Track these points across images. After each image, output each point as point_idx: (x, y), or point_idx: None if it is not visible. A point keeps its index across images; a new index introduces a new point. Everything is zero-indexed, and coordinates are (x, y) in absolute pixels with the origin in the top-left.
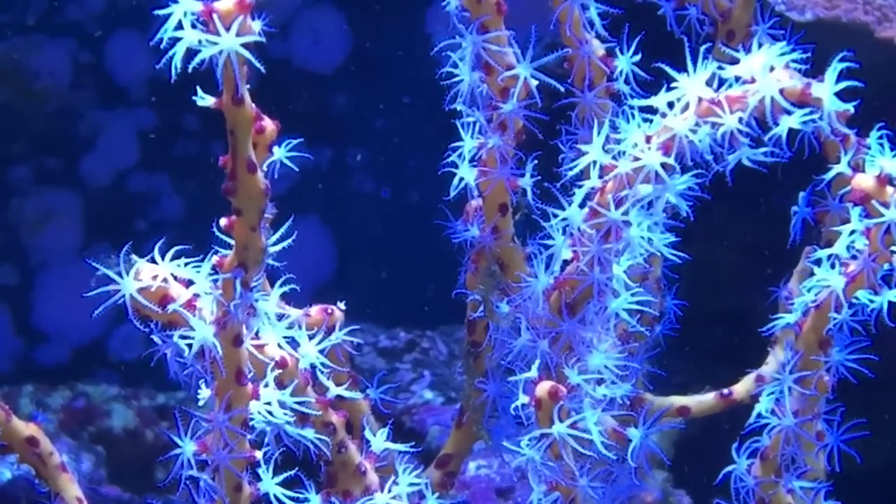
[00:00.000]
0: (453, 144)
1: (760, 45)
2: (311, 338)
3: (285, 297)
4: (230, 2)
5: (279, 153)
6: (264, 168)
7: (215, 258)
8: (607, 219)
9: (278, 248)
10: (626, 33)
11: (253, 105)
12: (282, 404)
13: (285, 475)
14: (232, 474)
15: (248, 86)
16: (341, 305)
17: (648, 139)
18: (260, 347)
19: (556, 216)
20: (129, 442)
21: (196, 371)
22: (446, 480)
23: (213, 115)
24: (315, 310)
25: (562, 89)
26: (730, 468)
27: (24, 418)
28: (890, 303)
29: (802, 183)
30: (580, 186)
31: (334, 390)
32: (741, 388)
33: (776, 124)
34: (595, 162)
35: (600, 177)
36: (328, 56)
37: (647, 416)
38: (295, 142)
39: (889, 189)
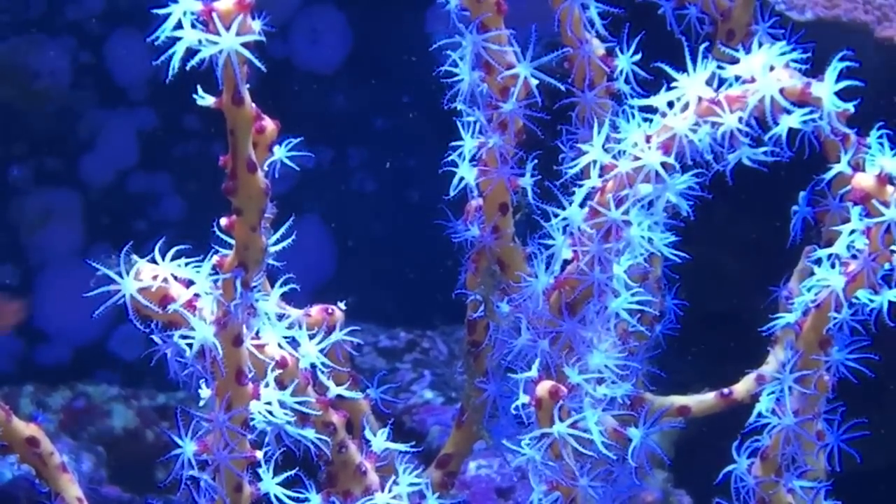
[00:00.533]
0: (453, 144)
1: (760, 45)
2: (311, 338)
3: (285, 297)
4: (230, 1)
5: (279, 153)
6: (264, 168)
7: (216, 258)
8: (607, 218)
9: (278, 247)
10: (626, 33)
11: (253, 105)
12: (282, 404)
13: (286, 475)
14: (232, 474)
15: (248, 85)
16: (341, 305)
17: (648, 139)
18: (260, 347)
19: (556, 216)
20: (130, 442)
21: (196, 371)
22: (447, 480)
23: (213, 114)
24: (315, 310)
25: (562, 88)
26: (730, 468)
27: (24, 418)
28: (890, 302)
29: (803, 182)
30: (580, 186)
31: (334, 390)
32: (741, 387)
33: (776, 124)
34: (595, 161)
35: (600, 176)
36: (328, 56)
37: (648, 415)
38: (295, 141)
39: (889, 188)
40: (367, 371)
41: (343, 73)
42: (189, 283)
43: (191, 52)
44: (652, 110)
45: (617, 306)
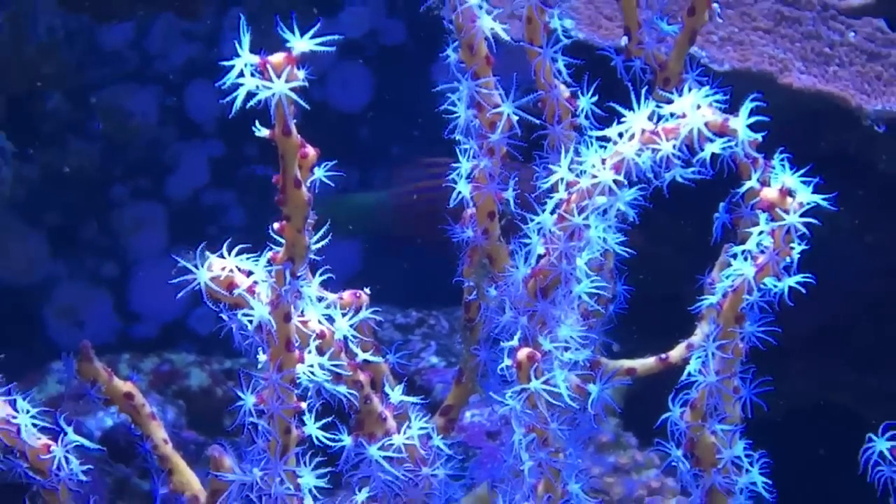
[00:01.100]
0: (454, 166)
1: (689, 89)
2: (343, 315)
3: (324, 285)
4: (280, 56)
5: (318, 173)
6: (307, 184)
7: (270, 254)
8: (572, 223)
9: (317, 246)
10: (586, 80)
11: (298, 135)
12: (321, 366)
13: (324, 421)
14: (283, 420)
15: (294, 120)
16: (367, 291)
17: (603, 161)
18: (304, 323)
19: (532, 220)
20: (203, 397)
21: (255, 341)
22: (448, 425)
23: (267, 143)
24: (346, 294)
25: (537, 122)
26: (667, 415)
27: (122, 379)
28: (789, 287)
29: (722, 195)
30: (551, 198)
31: (361, 356)
32: (675, 353)
33: (702, 149)
34: (562, 179)
35: (566, 190)
36: (355, 99)
37: (603, 375)
38: (330, 164)
39: (789, 199)
40: (387, 342)
41: (367, 112)
42: (249, 273)
43: (250, 95)
44: (606, 139)
45: (579, 291)
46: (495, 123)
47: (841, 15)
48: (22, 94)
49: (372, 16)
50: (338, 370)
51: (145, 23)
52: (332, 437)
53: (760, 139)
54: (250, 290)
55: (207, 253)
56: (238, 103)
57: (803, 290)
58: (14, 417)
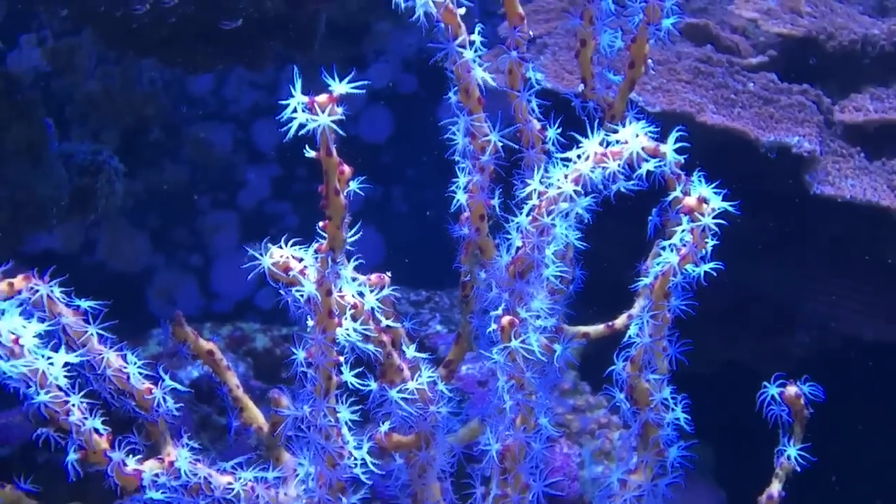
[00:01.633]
0: (454, 181)
1: (630, 123)
2: (371, 292)
3: (356, 269)
4: (325, 96)
5: (352, 185)
6: (344, 193)
7: (316, 245)
8: (542, 223)
9: (352, 239)
10: (552, 117)
11: (338, 157)
12: (355, 330)
13: (356, 371)
14: (325, 370)
15: (335, 145)
16: (388, 274)
17: (566, 176)
18: (342, 297)
19: (512, 221)
20: (266, 356)
21: (305, 311)
22: (449, 375)
23: (314, 166)
24: (374, 276)
25: (517, 147)
26: (612, 368)
27: (205, 340)
28: (704, 271)
29: (655, 202)
30: (526, 204)
31: (384, 322)
32: (619, 321)
33: (640, 167)
34: (535, 190)
35: (538, 198)
36: (379, 133)
37: (565, 338)
38: (361, 179)
39: (704, 205)
40: (403, 313)
41: (389, 143)
42: (301, 260)
43: (301, 126)
44: (568, 160)
45: (547, 274)
46: (485, 148)
47: (743, 70)
48: (130, 129)
49: (392, 71)
50: (367, 333)
51: (222, 75)
52: (362, 383)
53: (683, 161)
54: (301, 273)
55: (270, 245)
56: (292, 132)
57: (714, 275)
58: (125, 367)
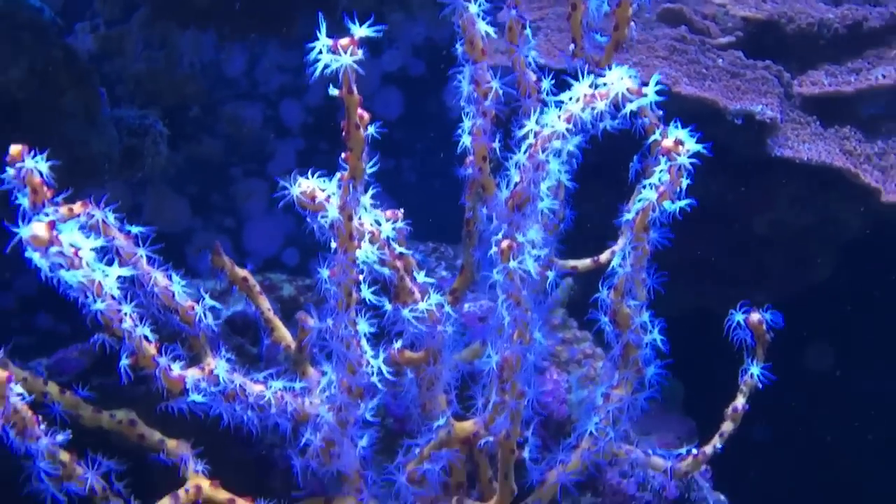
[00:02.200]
0: (459, 125)
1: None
2: (387, 221)
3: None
4: (347, 39)
5: (370, 130)
6: (363, 130)
7: (339, 175)
8: (538, 159)
9: (371, 170)
10: (546, 70)
11: (358, 94)
12: (372, 253)
13: (373, 289)
14: (346, 286)
15: (354, 86)
16: (402, 210)
17: (559, 117)
18: (361, 224)
19: (511, 159)
20: (292, 302)
21: (329, 237)
22: (454, 301)
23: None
24: (388, 211)
25: (516, 95)
26: (597, 295)
27: (240, 268)
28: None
29: (636, 151)
30: (524, 142)
31: (398, 249)
32: (604, 256)
33: (624, 107)
34: (531, 130)
35: (534, 137)
36: (391, 111)
37: (556, 268)
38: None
39: (680, 147)
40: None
41: (400, 120)
42: (324, 190)
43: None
44: (561, 102)
45: (542, 207)
46: (487, 94)
47: (714, 48)
48: (173, 107)
49: (403, 56)
50: (382, 258)
51: (253, 57)
52: (378, 300)
53: (661, 113)
54: (326, 199)
55: (298, 177)
56: (318, 72)
57: (689, 210)
58: (170, 286)
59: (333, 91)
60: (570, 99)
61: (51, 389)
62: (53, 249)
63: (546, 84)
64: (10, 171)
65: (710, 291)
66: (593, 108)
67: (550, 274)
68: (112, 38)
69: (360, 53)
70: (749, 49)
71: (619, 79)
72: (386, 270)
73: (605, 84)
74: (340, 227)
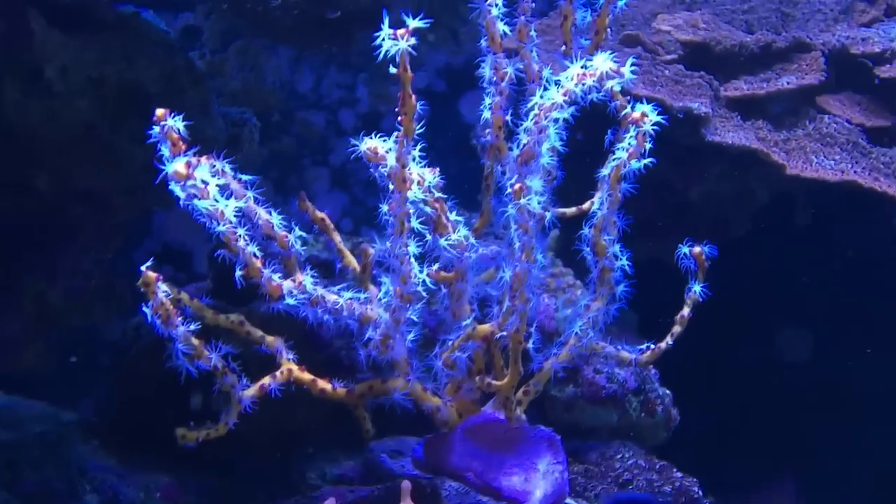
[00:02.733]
0: (481, 107)
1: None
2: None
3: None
4: (403, 30)
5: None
6: (414, 100)
7: (395, 134)
8: (542, 124)
9: (419, 131)
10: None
11: (411, 73)
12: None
13: (421, 219)
14: (401, 218)
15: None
16: (437, 169)
17: (558, 91)
18: (410, 173)
19: (520, 127)
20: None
21: (385, 182)
22: (476, 234)
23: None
24: (428, 169)
25: (524, 78)
26: (580, 232)
27: (319, 211)
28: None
29: (610, 126)
30: (531, 112)
31: (437, 194)
32: (586, 205)
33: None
34: (537, 103)
35: (538, 109)
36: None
37: (552, 212)
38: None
39: (645, 118)
40: None
41: (426, 123)
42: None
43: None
44: (559, 81)
45: (543, 161)
46: (503, 77)
47: (662, 63)
48: (259, 114)
49: (428, 77)
50: (425, 199)
51: (318, 77)
52: (424, 229)
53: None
54: (386, 152)
55: (365, 138)
56: (381, 55)
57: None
58: (270, 220)
59: (393, 69)
60: (566, 77)
61: (182, 297)
62: (189, 183)
63: (546, 73)
64: (156, 128)
65: (656, 244)
66: (583, 84)
67: (548, 214)
68: (215, 62)
69: (413, 40)
70: (688, 64)
71: (603, 61)
72: (428, 209)
73: (593, 66)
74: (397, 172)
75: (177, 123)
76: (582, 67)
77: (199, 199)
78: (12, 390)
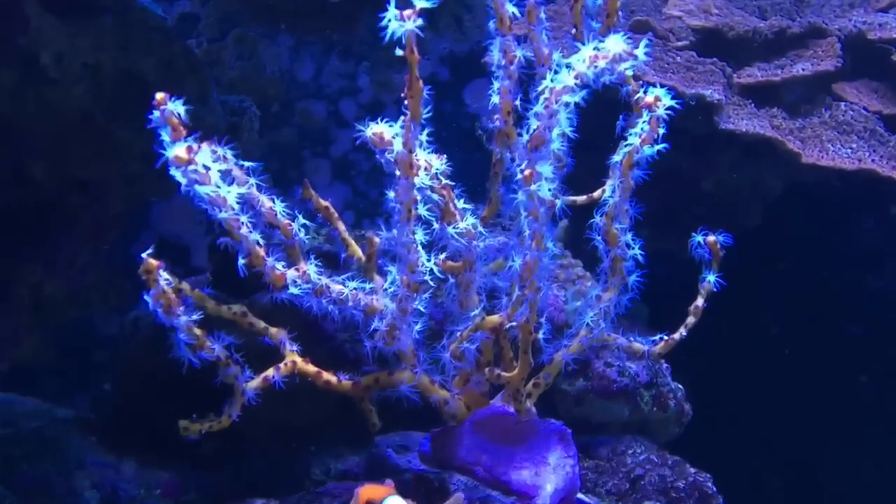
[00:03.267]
0: (489, 92)
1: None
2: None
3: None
4: (411, 10)
5: (423, 92)
6: (420, 83)
7: (402, 119)
8: (552, 108)
9: (427, 116)
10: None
11: (418, 55)
12: (425, 181)
13: (427, 207)
14: (408, 203)
15: (415, 46)
16: (445, 156)
17: (569, 74)
18: (417, 159)
19: (530, 111)
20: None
21: (392, 167)
22: (484, 222)
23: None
24: (435, 155)
25: (533, 63)
26: (591, 220)
27: (322, 200)
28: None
29: (622, 110)
30: (541, 96)
31: (444, 182)
32: (597, 193)
33: (619, 67)
34: (547, 87)
35: (549, 92)
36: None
37: (562, 200)
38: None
39: (659, 102)
40: None
41: (431, 110)
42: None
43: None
44: (570, 65)
45: (553, 147)
46: (512, 60)
47: (673, 49)
48: (259, 104)
49: (432, 65)
50: (431, 185)
51: (318, 67)
52: (431, 216)
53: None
54: (393, 137)
55: (371, 123)
56: (388, 36)
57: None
58: (274, 207)
59: (399, 51)
60: (578, 60)
61: (184, 286)
62: (191, 168)
63: (557, 56)
64: (156, 113)
65: (669, 236)
66: (596, 66)
67: (558, 202)
68: (212, 51)
69: (420, 21)
70: (700, 50)
71: (616, 43)
72: (435, 196)
73: (605, 48)
74: (404, 157)
75: (177, 108)
76: (594, 49)
77: (201, 184)
78: (6, 385)
